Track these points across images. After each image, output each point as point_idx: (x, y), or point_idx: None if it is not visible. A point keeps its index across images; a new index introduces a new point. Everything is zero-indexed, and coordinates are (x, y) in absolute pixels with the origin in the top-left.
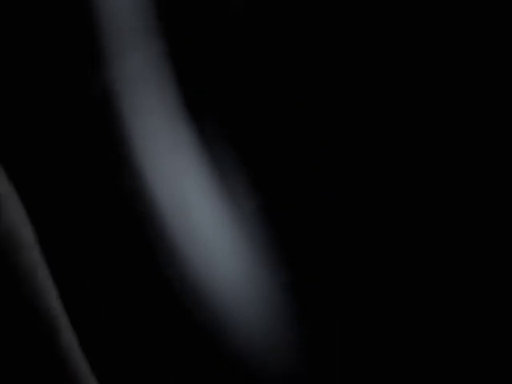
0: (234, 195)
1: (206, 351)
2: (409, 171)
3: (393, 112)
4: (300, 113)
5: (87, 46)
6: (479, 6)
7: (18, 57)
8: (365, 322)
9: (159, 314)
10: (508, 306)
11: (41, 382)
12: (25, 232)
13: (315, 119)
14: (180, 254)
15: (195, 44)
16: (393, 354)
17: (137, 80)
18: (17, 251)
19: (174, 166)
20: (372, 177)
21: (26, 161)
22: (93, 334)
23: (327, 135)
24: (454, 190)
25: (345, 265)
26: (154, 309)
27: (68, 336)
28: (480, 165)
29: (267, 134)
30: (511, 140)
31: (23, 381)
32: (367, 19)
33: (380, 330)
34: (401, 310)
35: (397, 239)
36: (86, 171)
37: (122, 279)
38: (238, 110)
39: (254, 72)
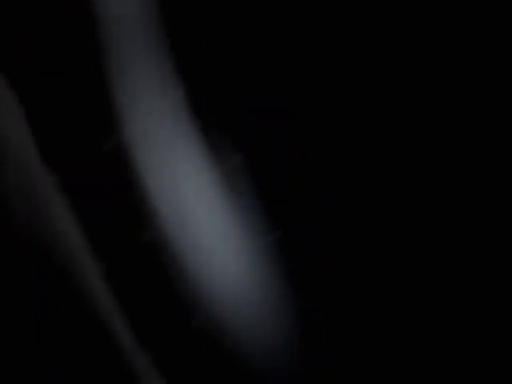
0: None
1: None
2: (408, 171)
3: (393, 112)
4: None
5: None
6: (479, 6)
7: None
8: (364, 325)
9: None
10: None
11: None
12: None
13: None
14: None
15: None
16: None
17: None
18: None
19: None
20: (371, 177)
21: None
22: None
23: (325, 133)
24: (453, 189)
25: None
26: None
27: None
28: (480, 165)
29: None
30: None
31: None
32: (367, 19)
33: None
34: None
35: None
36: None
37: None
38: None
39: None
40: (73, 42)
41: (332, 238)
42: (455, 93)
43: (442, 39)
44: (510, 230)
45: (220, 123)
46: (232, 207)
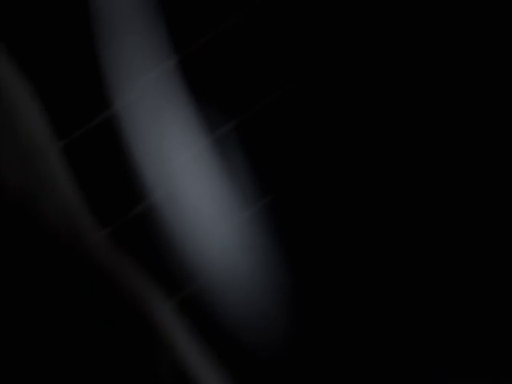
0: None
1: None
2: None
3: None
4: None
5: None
6: (479, 6)
7: None
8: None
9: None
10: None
11: None
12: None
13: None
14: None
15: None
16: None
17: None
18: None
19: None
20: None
21: None
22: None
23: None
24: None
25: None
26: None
27: None
28: (480, 165)
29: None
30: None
31: None
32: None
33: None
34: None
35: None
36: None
37: None
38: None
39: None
40: (65, 17)
41: (323, 205)
42: (455, 93)
43: (442, 39)
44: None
45: (211, 92)
46: (222, 175)
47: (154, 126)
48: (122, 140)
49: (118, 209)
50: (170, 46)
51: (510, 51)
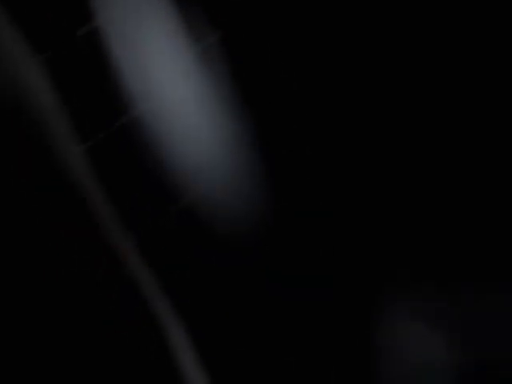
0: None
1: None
2: None
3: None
4: None
5: None
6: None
7: None
8: None
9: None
10: None
11: None
12: None
13: None
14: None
15: None
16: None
17: None
18: None
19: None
20: None
21: None
22: None
23: None
24: None
25: None
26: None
27: None
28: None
29: None
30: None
31: None
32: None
33: None
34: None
35: None
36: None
37: None
38: None
39: None
40: None
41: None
42: (455, 93)
43: (442, 39)
44: None
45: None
46: (208, 84)
47: (138, 36)
48: (107, 52)
49: (101, 122)
50: None
51: (510, 51)
